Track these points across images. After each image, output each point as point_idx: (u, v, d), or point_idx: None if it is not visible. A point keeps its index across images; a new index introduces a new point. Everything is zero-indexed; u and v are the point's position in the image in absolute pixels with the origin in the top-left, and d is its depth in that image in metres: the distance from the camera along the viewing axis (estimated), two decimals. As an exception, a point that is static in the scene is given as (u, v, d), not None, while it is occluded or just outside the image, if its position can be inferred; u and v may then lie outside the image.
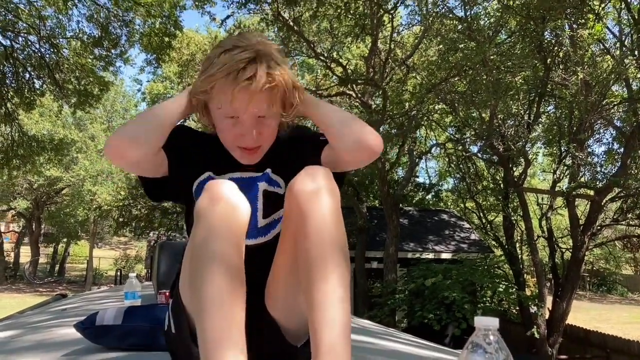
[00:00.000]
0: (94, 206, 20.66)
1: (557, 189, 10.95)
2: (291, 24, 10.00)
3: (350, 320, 1.00)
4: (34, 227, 25.63)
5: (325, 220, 1.04)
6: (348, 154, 1.23)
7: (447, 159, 15.36)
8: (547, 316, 10.49)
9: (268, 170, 1.28)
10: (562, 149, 10.67)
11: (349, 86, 11.05)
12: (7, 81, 9.85)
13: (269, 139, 1.25)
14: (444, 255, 13.25)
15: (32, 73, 9.84)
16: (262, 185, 1.27)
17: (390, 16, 9.97)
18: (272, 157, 1.29)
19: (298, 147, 1.33)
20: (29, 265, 25.42)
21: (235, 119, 1.18)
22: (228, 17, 10.05)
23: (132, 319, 1.70)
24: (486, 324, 0.86)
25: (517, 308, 10.65)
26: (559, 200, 11.94)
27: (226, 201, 1.03)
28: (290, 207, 1.09)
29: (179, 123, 1.27)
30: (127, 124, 1.21)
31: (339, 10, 9.71)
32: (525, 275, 13.31)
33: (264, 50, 1.15)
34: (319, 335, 0.95)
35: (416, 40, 10.88)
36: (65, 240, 28.94)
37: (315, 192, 1.05)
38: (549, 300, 10.83)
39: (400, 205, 14.38)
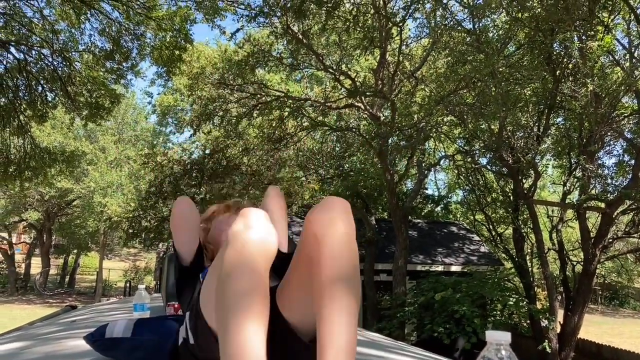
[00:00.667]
0: (104, 217, 20.76)
1: (567, 201, 10.87)
2: (300, 37, 10.07)
3: (355, 346, 1.04)
4: (44, 238, 25.78)
5: (340, 247, 1.12)
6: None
7: (456, 171, 15.31)
8: (558, 330, 10.36)
9: None
10: (572, 160, 10.60)
11: (357, 98, 11.07)
12: (20, 94, 9.98)
13: None
14: (454, 268, 13.16)
15: (45, 86, 9.96)
16: None
17: (398, 29, 10.00)
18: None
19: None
20: (40, 277, 25.55)
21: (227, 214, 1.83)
22: (237, 30, 10.14)
23: (142, 331, 1.70)
24: (498, 338, 0.86)
25: (528, 321, 10.53)
26: (570, 213, 11.85)
27: (259, 228, 1.13)
28: (306, 233, 1.18)
29: None
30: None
31: (347, 23, 9.77)
32: (535, 288, 13.18)
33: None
34: (326, 338, 1.01)
35: (425, 53, 10.90)
36: (75, 251, 29.08)
37: (331, 220, 1.14)
38: (560, 313, 10.71)
39: (409, 217, 14.33)
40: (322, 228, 1.13)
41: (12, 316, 16.02)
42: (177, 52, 9.57)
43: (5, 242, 26.04)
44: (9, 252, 24.83)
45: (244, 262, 1.08)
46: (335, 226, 1.13)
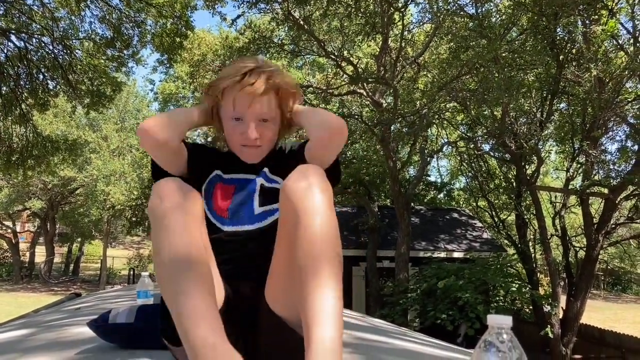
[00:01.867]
0: (107, 206, 20.85)
1: (570, 187, 10.85)
2: (301, 23, 10.01)
3: (341, 315, 1.01)
4: (48, 227, 25.91)
5: (316, 217, 1.07)
6: (317, 135, 1.35)
7: (458, 158, 15.29)
8: (561, 315, 10.40)
9: (265, 169, 1.43)
10: (575, 146, 10.56)
11: (359, 85, 11.03)
12: (22, 82, 9.95)
13: (269, 141, 1.41)
14: (456, 254, 13.18)
15: (46, 74, 9.93)
16: (259, 181, 1.40)
17: (400, 14, 9.93)
18: (271, 161, 1.45)
19: (289, 154, 1.50)
20: (44, 265, 25.72)
21: (239, 121, 1.35)
22: (239, 16, 10.07)
23: (145, 317, 1.71)
24: (499, 322, 0.85)
25: (531, 307, 10.58)
26: (573, 199, 11.83)
27: (174, 194, 1.10)
28: (284, 205, 1.13)
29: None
30: (157, 115, 1.42)
31: (349, 9, 9.70)
32: (538, 274, 13.21)
33: (265, 63, 1.35)
34: (311, 332, 0.96)
35: (427, 38, 10.83)
36: (79, 239, 29.22)
37: (307, 188, 1.09)
38: (562, 299, 10.74)
39: (412, 204, 14.34)
40: (298, 197, 1.08)
41: (18, 304, 16.15)
42: (178, 39, 9.53)
43: (9, 230, 26.18)
44: (13, 240, 24.97)
45: (169, 234, 1.05)
46: (312, 193, 1.08)
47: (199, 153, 1.45)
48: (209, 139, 14.97)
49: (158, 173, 1.40)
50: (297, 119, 1.44)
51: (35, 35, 9.44)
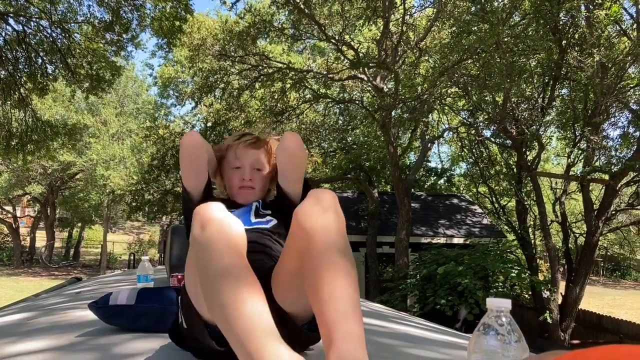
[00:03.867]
0: (107, 191, 20.85)
1: (571, 173, 10.84)
2: (302, 6, 9.92)
3: (361, 315, 1.02)
4: (48, 211, 25.94)
5: (330, 235, 1.10)
6: (280, 155, 1.61)
7: (459, 144, 15.25)
8: (560, 301, 10.45)
9: (259, 201, 1.68)
10: (577, 132, 10.53)
11: (360, 70, 10.96)
12: (20, 66, 9.90)
13: (261, 185, 1.70)
14: (456, 240, 13.22)
15: (45, 58, 9.87)
16: (255, 204, 1.65)
17: (402, -2, 9.84)
18: (261, 202, 1.70)
19: (276, 200, 1.74)
20: (45, 249, 25.81)
21: (238, 169, 1.68)
22: (238, 0, 9.99)
23: (145, 300, 1.71)
24: (498, 305, 0.85)
25: (530, 293, 10.63)
26: (573, 185, 11.83)
27: (217, 221, 1.12)
28: (295, 227, 1.16)
29: None
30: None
31: (350, -7, 9.61)
32: (538, 260, 13.25)
33: (259, 133, 1.75)
34: (333, 323, 0.97)
35: (429, 23, 10.74)
36: (79, 224, 29.28)
37: (320, 212, 1.13)
38: (562, 285, 10.79)
39: (412, 190, 14.34)
40: (312, 221, 1.11)
41: (19, 288, 16.23)
42: (177, 23, 9.46)
43: (9, 215, 26.23)
44: (13, 225, 25.03)
45: (214, 249, 1.07)
46: (326, 219, 1.11)
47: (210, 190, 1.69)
48: (209, 124, 14.95)
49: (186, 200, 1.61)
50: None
51: (34, 19, 9.36)
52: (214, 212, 1.14)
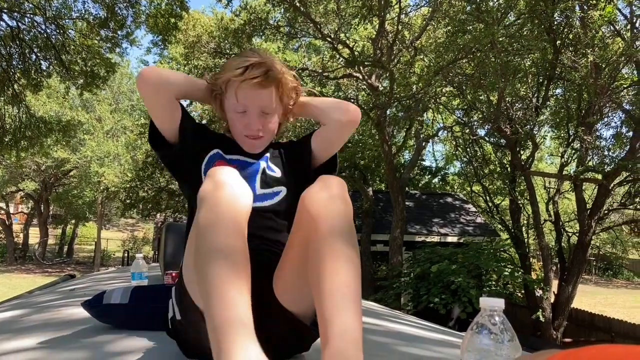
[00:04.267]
0: (101, 188, 20.78)
1: (564, 172, 10.89)
2: (297, 4, 9.91)
3: (359, 288, 1.01)
4: (42, 208, 25.82)
5: (337, 223, 1.07)
6: (336, 120, 1.47)
7: (454, 143, 15.28)
8: (552, 300, 10.51)
9: (267, 155, 1.50)
10: (570, 132, 10.58)
11: (356, 68, 10.97)
12: (14, 62, 9.84)
13: (270, 132, 1.46)
14: (450, 239, 13.26)
15: (39, 54, 9.82)
16: (262, 164, 1.47)
17: (398, -3, 9.85)
18: (271, 151, 1.54)
19: (290, 145, 1.60)
20: (38, 246, 25.69)
21: (243, 113, 1.40)
22: (234, -3, 9.97)
23: (139, 298, 1.71)
24: (491, 304, 0.86)
25: (523, 291, 10.67)
26: (567, 184, 11.88)
27: (230, 187, 1.07)
28: (301, 214, 1.14)
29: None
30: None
31: (346, -9, 9.61)
32: (531, 259, 13.31)
33: (269, 58, 1.38)
34: (330, 321, 0.95)
35: (424, 22, 10.76)
36: (73, 221, 29.16)
37: (328, 199, 1.10)
38: (554, 284, 10.84)
39: (407, 188, 14.37)
40: (319, 207, 1.08)
41: (12, 285, 16.16)
42: (172, 20, 9.44)
43: (2, 212, 26.09)
44: (7, 222, 24.90)
45: (217, 221, 1.03)
46: (333, 205, 1.09)
47: (195, 126, 1.49)
48: (204, 121, 14.90)
49: (154, 136, 1.43)
50: (306, 110, 1.53)
51: (28, 15, 9.31)
52: (230, 177, 1.09)
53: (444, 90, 11.18)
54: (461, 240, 12.64)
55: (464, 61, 9.62)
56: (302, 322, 1.25)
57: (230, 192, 1.06)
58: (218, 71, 1.44)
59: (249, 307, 0.94)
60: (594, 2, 7.73)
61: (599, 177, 9.58)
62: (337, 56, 11.88)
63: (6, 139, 10.19)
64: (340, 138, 1.52)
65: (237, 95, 1.37)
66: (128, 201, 16.26)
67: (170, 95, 1.36)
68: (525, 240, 12.19)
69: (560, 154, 11.42)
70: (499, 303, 0.86)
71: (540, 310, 10.07)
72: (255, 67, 1.34)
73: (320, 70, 12.30)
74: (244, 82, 1.34)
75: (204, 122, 14.98)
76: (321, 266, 1.02)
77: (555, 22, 8.76)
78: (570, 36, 8.95)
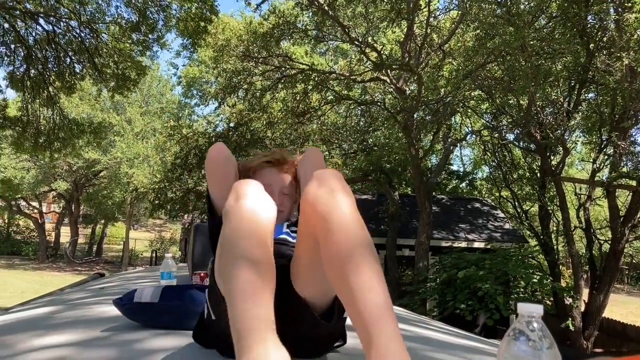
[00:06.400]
0: (131, 188, 21.13)
1: (596, 178, 10.64)
2: (326, 8, 9.92)
3: (391, 303, 1.02)
4: (73, 208, 26.39)
5: (346, 218, 1.08)
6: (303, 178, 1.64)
7: (482, 147, 15.09)
8: (583, 309, 10.27)
9: (285, 224, 1.66)
10: (603, 137, 10.34)
11: (383, 71, 10.92)
12: (49, 65, 10.10)
13: (289, 209, 1.69)
14: (477, 244, 13.07)
15: (73, 57, 10.06)
16: (285, 223, 1.65)
17: (427, 0, 9.78)
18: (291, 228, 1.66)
19: None
20: (69, 245, 26.26)
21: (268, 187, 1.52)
22: (263, 1, 10.05)
23: (169, 298, 1.73)
24: (530, 310, 0.84)
25: (552, 299, 10.45)
26: (598, 191, 11.61)
27: (252, 199, 1.12)
28: (306, 211, 1.16)
29: None
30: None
31: (374, -5, 9.59)
32: (560, 266, 13.04)
33: (288, 155, 1.72)
34: (372, 328, 0.96)
35: (453, 25, 10.66)
36: (102, 221, 29.72)
37: (330, 193, 1.11)
38: (585, 292, 10.60)
39: (433, 193, 14.23)
40: (323, 204, 1.10)
41: (44, 282, 16.54)
42: (202, 24, 9.55)
43: (35, 211, 26.76)
44: (39, 220, 25.53)
45: (240, 233, 1.07)
46: (337, 199, 1.10)
47: None
48: (231, 124, 15.04)
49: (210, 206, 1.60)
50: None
51: (63, 19, 9.55)
52: (252, 190, 1.15)
53: (472, 94, 11.05)
54: (488, 247, 12.44)
55: (493, 65, 9.49)
56: (314, 315, 1.27)
57: (252, 203, 1.11)
58: (249, 159, 1.74)
59: (270, 316, 0.97)
60: (629, 4, 7.54)
61: (633, 183, 9.33)
62: (365, 59, 11.85)
63: (40, 140, 10.45)
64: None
65: (263, 178, 1.56)
66: (156, 202, 16.46)
67: (231, 168, 1.55)
68: (555, 247, 11.95)
69: (592, 160, 11.17)
70: (538, 309, 0.83)
71: (570, 319, 9.85)
72: (275, 157, 1.68)
73: (347, 74, 12.29)
74: (267, 168, 1.66)
75: (231, 124, 15.11)
76: (349, 282, 1.02)
77: (589, 25, 8.58)
78: (605, 39, 8.75)
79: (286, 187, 1.67)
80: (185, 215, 19.42)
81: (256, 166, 1.67)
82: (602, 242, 11.62)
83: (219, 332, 1.30)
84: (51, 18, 9.42)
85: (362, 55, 11.83)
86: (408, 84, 12.00)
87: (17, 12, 9.12)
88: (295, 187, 1.71)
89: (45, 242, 25.81)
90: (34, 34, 9.77)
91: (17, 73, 9.99)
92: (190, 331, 1.48)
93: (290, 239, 1.55)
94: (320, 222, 1.10)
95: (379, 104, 12.73)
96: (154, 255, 18.84)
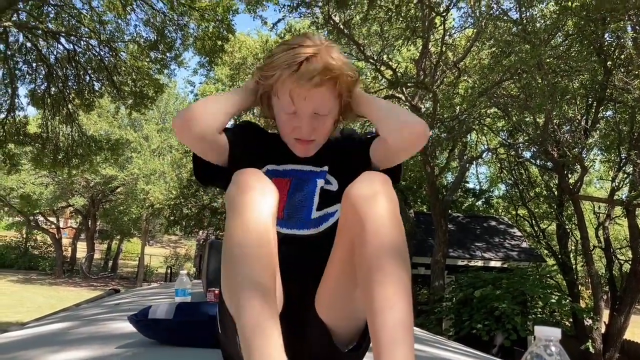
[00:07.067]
0: (147, 204, 21.30)
1: (615, 197, 10.49)
2: (341, 27, 10.01)
3: (412, 322, 0.99)
4: (89, 223, 26.64)
5: (383, 224, 1.03)
6: (395, 139, 1.26)
7: (498, 165, 14.99)
8: (603, 330, 10.06)
9: (326, 168, 1.35)
10: (622, 155, 10.21)
11: (398, 89, 10.94)
12: (69, 83, 10.30)
13: (323, 135, 1.33)
14: (493, 263, 12.91)
15: (92, 76, 10.25)
16: (320, 182, 1.32)
17: (442, 18, 9.82)
18: (326, 155, 1.36)
19: (349, 147, 1.39)
20: (85, 260, 26.46)
21: (293, 114, 1.26)
22: (279, 20, 10.15)
23: (183, 314, 1.73)
24: (547, 334, 0.82)
25: (571, 320, 10.26)
26: (618, 210, 11.44)
27: (253, 190, 1.05)
28: (346, 212, 1.09)
29: (242, 119, 1.37)
30: (194, 104, 1.27)
31: (390, 13, 9.65)
32: (579, 286, 12.82)
33: (324, 50, 1.22)
34: (384, 349, 0.94)
35: (468, 43, 10.67)
36: (118, 237, 29.94)
37: (373, 196, 1.04)
38: (605, 313, 10.39)
39: (449, 211, 14.13)
40: (363, 205, 1.03)
41: (60, 297, 16.66)
42: (219, 43, 9.68)
43: (53, 226, 27.05)
44: (56, 236, 25.79)
45: (242, 234, 1.01)
46: (378, 201, 1.04)
47: (243, 142, 1.35)
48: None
49: (198, 166, 1.34)
50: (363, 109, 1.33)
51: (84, 38, 9.75)
52: (253, 179, 1.06)
53: (488, 112, 11.01)
54: (505, 265, 12.28)
55: (509, 82, 9.47)
56: (338, 348, 1.21)
57: (253, 195, 1.04)
58: (267, 62, 1.26)
59: (276, 321, 0.94)
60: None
61: (654, 202, 9.19)
62: (380, 77, 11.90)
63: (59, 156, 10.61)
64: (398, 158, 1.34)
65: (290, 95, 1.22)
66: (172, 218, 16.60)
67: (212, 137, 1.24)
68: (574, 267, 11.76)
69: (611, 178, 11.02)
70: (556, 333, 0.82)
71: (590, 340, 9.64)
72: (310, 61, 1.19)
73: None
74: (297, 81, 1.19)
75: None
76: (372, 294, 0.99)
77: (606, 43, 8.54)
78: (622, 57, 8.69)
79: (321, 106, 1.25)
80: (200, 232, 19.52)
81: (277, 77, 1.23)
82: (622, 262, 11.42)
83: (226, 347, 1.26)
84: (72, 37, 9.63)
85: (377, 73, 11.87)
86: (423, 101, 12.01)
87: (39, 31, 9.34)
88: (339, 104, 1.31)
89: (62, 257, 26.03)
90: (55, 52, 10.00)
91: (38, 91, 10.20)
92: (203, 348, 1.47)
93: (330, 188, 1.31)
94: (357, 226, 1.04)
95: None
96: (168, 271, 18.91)
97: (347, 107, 1.33)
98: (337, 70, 1.21)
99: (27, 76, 10.12)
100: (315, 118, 1.26)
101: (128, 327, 1.83)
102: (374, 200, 1.04)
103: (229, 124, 1.33)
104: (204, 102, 1.27)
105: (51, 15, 9.75)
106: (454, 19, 12.28)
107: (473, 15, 9.88)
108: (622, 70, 8.70)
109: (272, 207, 1.06)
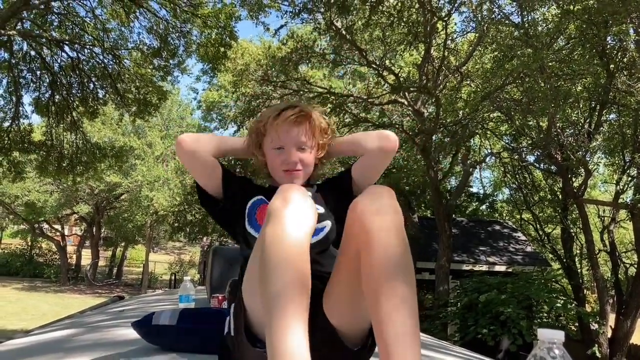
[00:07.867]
0: (151, 211, 21.33)
1: (620, 200, 10.45)
2: (343, 32, 10.03)
3: (417, 332, 1.03)
4: (94, 231, 26.70)
5: (389, 236, 1.09)
6: (376, 148, 1.55)
7: (502, 169, 14.97)
8: (609, 334, 9.99)
9: (312, 191, 1.55)
10: (626, 159, 10.18)
11: (401, 94, 10.95)
12: (73, 91, 10.35)
13: (308, 166, 1.56)
14: (498, 268, 12.87)
15: (96, 83, 10.29)
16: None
17: (444, 23, 9.84)
18: (312, 192, 1.56)
19: (332, 181, 1.69)
20: (90, 268, 26.50)
21: (281, 149, 1.52)
22: (281, 27, 10.19)
23: (187, 320, 1.73)
24: (550, 336, 0.82)
25: (577, 325, 10.20)
26: (623, 213, 11.39)
27: (297, 204, 1.11)
28: (352, 225, 1.16)
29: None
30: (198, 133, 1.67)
31: (391, 19, 9.67)
32: (585, 290, 12.75)
33: (300, 103, 1.58)
34: (389, 350, 0.98)
35: (471, 47, 10.68)
36: (123, 244, 29.99)
37: (379, 209, 1.11)
38: (611, 317, 10.32)
39: (453, 215, 14.11)
40: (369, 218, 1.10)
41: (64, 304, 16.67)
42: (222, 49, 9.71)
43: (58, 234, 27.12)
44: (61, 243, 25.85)
45: (282, 241, 1.06)
46: (384, 215, 1.10)
47: (238, 180, 1.61)
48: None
49: (202, 195, 1.59)
50: (342, 147, 1.64)
51: (87, 46, 9.81)
52: (298, 195, 1.14)
53: (491, 116, 11.00)
54: (510, 270, 12.24)
55: (512, 86, 9.46)
56: (348, 348, 1.24)
57: (296, 209, 1.11)
58: (259, 116, 1.62)
59: (306, 322, 0.98)
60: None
61: (659, 205, 9.14)
62: (383, 82, 11.91)
63: (64, 164, 10.64)
64: (381, 164, 1.61)
65: (274, 133, 1.50)
66: (176, 224, 16.61)
67: (205, 157, 1.52)
68: (579, 271, 11.71)
69: (615, 181, 10.99)
70: (559, 335, 0.82)
71: (597, 345, 9.58)
72: (289, 108, 1.51)
73: (365, 97, 12.35)
74: (280, 121, 1.49)
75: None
76: (378, 304, 1.04)
77: (608, 46, 8.53)
78: (625, 60, 8.68)
79: (303, 141, 1.51)
80: (204, 238, 19.53)
81: (266, 123, 1.52)
82: (627, 265, 11.36)
83: (235, 348, 1.28)
84: (76, 45, 9.68)
85: (379, 78, 11.89)
86: (426, 106, 12.01)
87: (43, 40, 9.40)
88: (316, 141, 1.55)
89: (67, 264, 26.08)
90: (59, 60, 10.05)
91: (42, 99, 10.24)
92: (207, 355, 1.47)
93: (319, 210, 1.44)
94: (363, 236, 1.10)
95: (397, 126, 12.74)
96: (173, 277, 18.92)
97: (324, 148, 1.59)
98: (311, 113, 1.52)
99: (32, 84, 10.17)
100: (299, 151, 1.52)
101: (132, 333, 1.83)
102: (380, 213, 1.11)
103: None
104: (206, 133, 1.57)
105: (55, 24, 9.81)
106: (455, 24, 12.29)
107: (475, 19, 9.90)
108: (625, 73, 8.68)
109: (311, 222, 1.13)
